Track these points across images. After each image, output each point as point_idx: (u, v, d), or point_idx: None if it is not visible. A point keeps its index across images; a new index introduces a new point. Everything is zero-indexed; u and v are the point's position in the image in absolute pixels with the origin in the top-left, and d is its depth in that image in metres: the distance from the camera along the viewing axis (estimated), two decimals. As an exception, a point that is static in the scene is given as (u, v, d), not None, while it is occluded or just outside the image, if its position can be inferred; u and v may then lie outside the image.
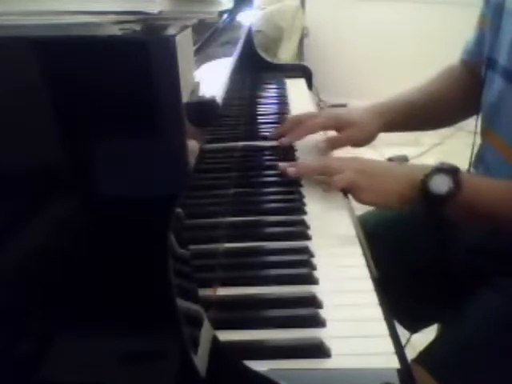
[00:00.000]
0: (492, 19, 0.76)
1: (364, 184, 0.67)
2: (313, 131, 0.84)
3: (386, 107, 0.88)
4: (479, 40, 0.82)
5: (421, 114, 0.89)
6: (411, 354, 0.48)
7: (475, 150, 0.85)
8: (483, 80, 0.78)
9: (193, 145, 0.41)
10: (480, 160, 0.82)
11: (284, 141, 0.83)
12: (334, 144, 0.85)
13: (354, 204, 0.72)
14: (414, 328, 0.85)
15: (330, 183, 0.69)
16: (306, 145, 0.86)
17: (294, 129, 0.84)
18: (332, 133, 0.86)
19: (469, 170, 0.85)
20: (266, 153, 0.85)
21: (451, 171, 0.63)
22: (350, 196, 0.75)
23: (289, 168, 0.73)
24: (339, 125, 0.84)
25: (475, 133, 0.81)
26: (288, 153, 0.84)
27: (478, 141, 0.83)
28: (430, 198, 0.62)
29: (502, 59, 0.72)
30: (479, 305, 0.66)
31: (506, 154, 0.71)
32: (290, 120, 0.88)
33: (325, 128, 0.85)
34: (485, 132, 0.79)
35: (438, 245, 0.79)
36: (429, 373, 0.57)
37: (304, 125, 0.83)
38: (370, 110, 0.87)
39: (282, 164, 0.76)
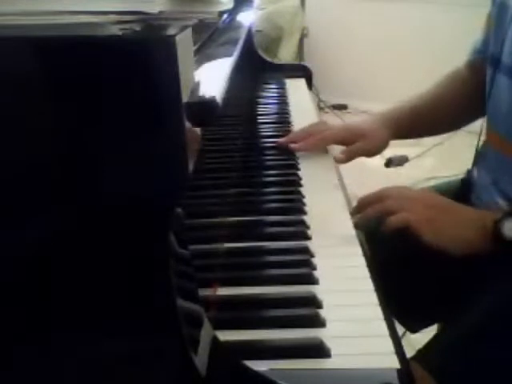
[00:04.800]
0: (496, 18, 0.76)
1: (429, 225, 0.63)
2: (325, 144, 0.85)
3: (394, 116, 0.88)
4: (486, 40, 0.82)
5: (428, 120, 0.89)
6: (409, 352, 0.48)
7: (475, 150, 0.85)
8: (487, 78, 0.78)
9: (193, 144, 0.41)
10: (480, 159, 0.82)
11: (294, 147, 0.84)
12: (350, 155, 0.84)
13: (354, 204, 0.72)
14: (414, 328, 0.85)
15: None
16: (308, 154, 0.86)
17: (306, 138, 0.84)
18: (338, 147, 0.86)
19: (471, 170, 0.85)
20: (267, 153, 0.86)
21: None
22: (349, 195, 0.75)
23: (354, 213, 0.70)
24: (350, 137, 0.85)
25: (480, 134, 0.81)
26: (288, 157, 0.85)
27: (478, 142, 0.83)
28: (505, 245, 0.59)
29: (505, 57, 0.72)
30: (479, 304, 0.66)
31: (502, 147, 0.71)
32: (300, 131, 0.88)
33: (335, 140, 0.86)
34: (490, 130, 0.79)
35: None
36: (427, 371, 0.57)
37: (315, 137, 0.84)
38: (379, 119, 0.88)
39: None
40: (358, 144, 0.84)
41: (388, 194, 0.68)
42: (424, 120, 0.89)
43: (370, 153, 0.86)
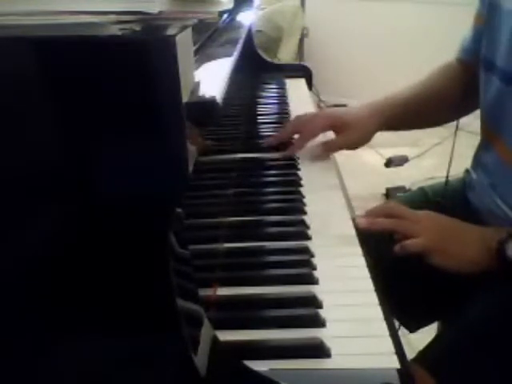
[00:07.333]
0: (487, 19, 0.76)
1: (438, 249, 0.63)
2: (314, 136, 0.85)
3: (384, 106, 0.88)
4: (476, 39, 0.82)
5: (418, 112, 0.89)
6: (409, 352, 0.48)
7: (474, 151, 0.85)
8: (481, 81, 0.78)
9: (193, 144, 0.41)
10: (478, 161, 0.82)
11: (288, 153, 0.85)
12: (330, 148, 0.86)
13: (354, 204, 0.72)
14: (413, 327, 0.85)
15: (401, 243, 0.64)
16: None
17: (297, 138, 0.86)
18: (330, 133, 0.87)
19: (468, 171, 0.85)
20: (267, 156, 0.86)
21: None
22: (349, 195, 0.75)
23: (360, 219, 0.68)
24: (335, 126, 0.86)
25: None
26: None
27: (477, 142, 0.83)
28: (509, 265, 0.60)
29: (499, 61, 0.72)
30: (478, 304, 0.66)
31: (507, 157, 0.71)
32: (290, 125, 0.89)
33: (324, 130, 0.86)
34: (486, 134, 0.79)
35: None
36: (428, 372, 0.57)
37: (304, 132, 0.85)
38: (367, 109, 0.87)
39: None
40: (341, 136, 0.85)
41: (401, 213, 0.68)
42: (415, 112, 0.89)
43: (353, 145, 0.86)
